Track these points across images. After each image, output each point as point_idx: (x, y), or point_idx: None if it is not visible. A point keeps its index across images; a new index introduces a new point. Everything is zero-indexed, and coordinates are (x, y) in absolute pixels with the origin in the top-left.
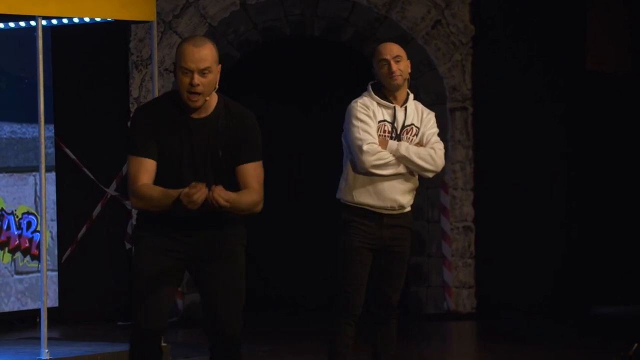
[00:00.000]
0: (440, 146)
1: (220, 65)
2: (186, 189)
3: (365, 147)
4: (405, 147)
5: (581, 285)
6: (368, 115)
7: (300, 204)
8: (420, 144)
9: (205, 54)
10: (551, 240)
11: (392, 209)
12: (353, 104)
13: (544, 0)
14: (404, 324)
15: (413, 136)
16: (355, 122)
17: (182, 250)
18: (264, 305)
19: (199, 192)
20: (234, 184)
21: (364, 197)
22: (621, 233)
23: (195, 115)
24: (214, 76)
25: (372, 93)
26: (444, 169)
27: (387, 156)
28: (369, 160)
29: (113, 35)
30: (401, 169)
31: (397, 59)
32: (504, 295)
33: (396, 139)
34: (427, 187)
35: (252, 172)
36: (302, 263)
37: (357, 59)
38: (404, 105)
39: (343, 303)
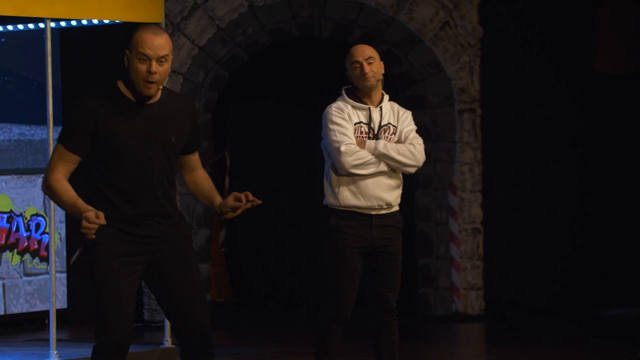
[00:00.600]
0: (419, 141)
1: (172, 57)
2: (91, 213)
3: (343, 148)
4: (384, 145)
5: (589, 286)
6: (343, 118)
7: (308, 204)
8: (399, 142)
9: (163, 42)
10: (559, 241)
11: (380, 207)
12: (327, 109)
13: (552, 1)
14: (412, 325)
15: (391, 135)
16: (331, 126)
17: (142, 253)
18: (272, 305)
19: (92, 230)
20: (177, 168)
21: (350, 199)
22: (628, 234)
23: (141, 101)
24: (169, 66)
25: (346, 97)
26: (452, 170)
27: (365, 155)
28: (348, 160)
29: (121, 37)
30: (382, 167)
31: (369, 61)
32: (512, 296)
33: (374, 139)
34: (436, 188)
35: (197, 157)
36: (310, 262)
37: None
38: (379, 106)
39: (335, 309)
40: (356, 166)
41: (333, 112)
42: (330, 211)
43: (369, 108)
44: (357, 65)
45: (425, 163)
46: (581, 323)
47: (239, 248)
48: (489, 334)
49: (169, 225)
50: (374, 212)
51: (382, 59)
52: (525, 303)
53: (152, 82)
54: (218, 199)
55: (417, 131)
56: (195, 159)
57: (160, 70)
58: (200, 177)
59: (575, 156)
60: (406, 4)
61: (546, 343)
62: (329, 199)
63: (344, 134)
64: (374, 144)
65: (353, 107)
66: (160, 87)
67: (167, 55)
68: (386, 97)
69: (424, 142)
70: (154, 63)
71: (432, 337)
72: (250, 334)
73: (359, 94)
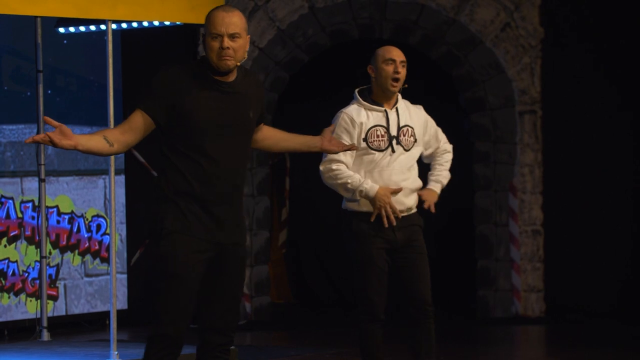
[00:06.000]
0: (445, 138)
1: (249, 37)
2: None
3: (321, 168)
4: (444, 177)
5: None
6: (348, 131)
7: None
8: (429, 146)
9: (234, 20)
10: (620, 243)
11: (401, 212)
12: (339, 114)
13: (614, 2)
14: (472, 327)
15: (410, 137)
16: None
17: (213, 244)
18: (333, 306)
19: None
20: (249, 143)
21: (369, 204)
22: None
23: (223, 79)
24: (244, 43)
25: (360, 99)
26: (512, 172)
27: (339, 177)
28: (324, 176)
29: (182, 39)
30: (342, 193)
31: (402, 64)
32: (573, 299)
33: (391, 141)
34: (496, 190)
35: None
36: None
37: (425, 62)
38: (395, 107)
39: (370, 310)
40: (327, 181)
41: (341, 123)
42: (351, 215)
43: (385, 110)
44: (391, 63)
45: (485, 165)
46: None
47: (300, 250)
48: (549, 337)
49: (239, 219)
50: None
51: (442, 60)
52: (586, 306)
53: (227, 57)
54: (315, 138)
55: (476, 132)
56: (261, 126)
57: (235, 46)
58: (269, 129)
59: (636, 158)
60: (467, 5)
61: (607, 347)
62: (349, 204)
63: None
64: (439, 187)
65: (369, 109)
66: (238, 64)
67: (239, 32)
68: (399, 96)
69: (485, 144)
70: (225, 39)
71: (492, 339)
72: (309, 335)
73: (375, 96)
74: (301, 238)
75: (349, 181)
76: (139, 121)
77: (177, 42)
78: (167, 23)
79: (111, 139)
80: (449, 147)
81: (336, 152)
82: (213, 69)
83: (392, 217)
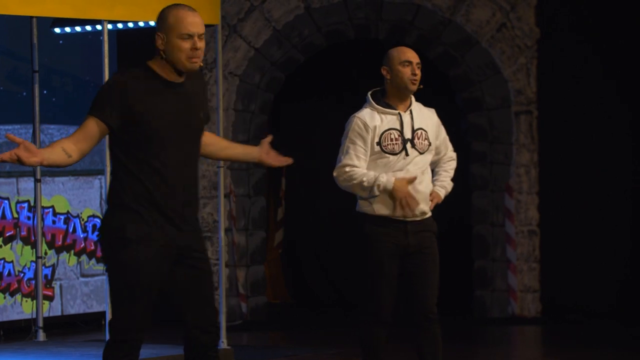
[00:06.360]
0: (451, 147)
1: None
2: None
3: (335, 173)
4: (449, 186)
5: None
6: (362, 136)
7: None
8: (439, 152)
9: (200, 19)
10: (618, 243)
11: (414, 215)
12: (352, 118)
13: (611, 2)
14: (468, 327)
15: (424, 140)
16: (347, 142)
17: (173, 248)
18: (332, 306)
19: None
20: (200, 145)
21: (384, 209)
22: None
23: (176, 81)
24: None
25: (373, 102)
26: (509, 172)
27: (355, 179)
28: (339, 180)
29: None
30: (360, 193)
31: (418, 66)
32: (569, 299)
33: (405, 144)
34: (492, 190)
35: None
36: None
37: (422, 62)
38: (409, 109)
39: (377, 312)
40: (342, 184)
41: (355, 128)
42: (363, 218)
43: (399, 113)
44: (408, 65)
45: (481, 165)
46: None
47: (297, 249)
48: (545, 337)
49: (196, 224)
50: (408, 220)
51: (439, 60)
52: (582, 306)
53: (197, 58)
54: (254, 149)
55: (473, 132)
56: (207, 132)
57: (202, 46)
58: (212, 135)
59: (633, 158)
60: (463, 5)
61: (604, 346)
62: (363, 207)
63: (356, 155)
64: (443, 192)
65: (382, 113)
66: (201, 64)
67: (203, 32)
68: (412, 98)
69: (481, 144)
70: (196, 40)
71: (488, 339)
72: (307, 335)
73: (389, 98)
74: (299, 238)
75: (365, 179)
76: (93, 129)
77: None
78: None
79: (68, 150)
80: (454, 155)
81: (273, 165)
82: (167, 70)
83: (413, 205)
